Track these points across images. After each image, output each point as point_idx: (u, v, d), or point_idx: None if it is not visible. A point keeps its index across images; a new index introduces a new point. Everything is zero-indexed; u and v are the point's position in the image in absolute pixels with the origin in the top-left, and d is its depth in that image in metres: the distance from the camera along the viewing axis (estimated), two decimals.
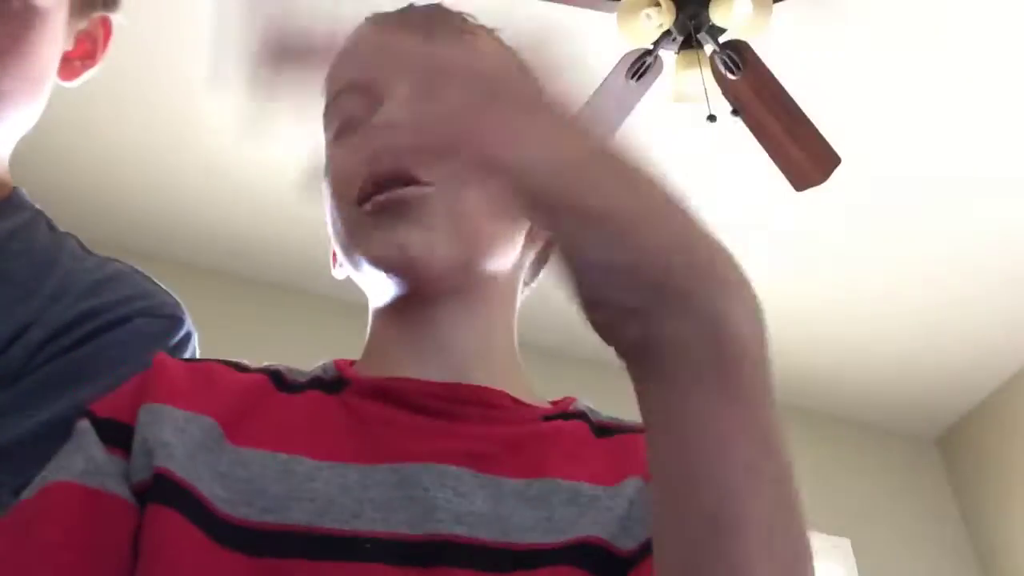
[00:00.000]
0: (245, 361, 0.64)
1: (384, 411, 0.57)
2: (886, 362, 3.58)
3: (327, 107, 0.67)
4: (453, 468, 0.54)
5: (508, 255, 0.65)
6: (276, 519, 0.51)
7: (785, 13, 2.35)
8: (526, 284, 0.71)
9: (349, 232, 0.63)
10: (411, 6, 0.68)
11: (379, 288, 0.64)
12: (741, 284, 0.40)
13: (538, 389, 0.65)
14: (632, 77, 2.27)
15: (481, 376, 0.61)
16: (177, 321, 0.73)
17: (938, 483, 3.81)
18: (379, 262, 0.61)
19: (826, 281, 3.28)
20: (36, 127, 0.79)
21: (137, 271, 0.77)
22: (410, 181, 0.59)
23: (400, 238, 0.59)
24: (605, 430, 0.61)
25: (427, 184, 0.59)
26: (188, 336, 0.74)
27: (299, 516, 0.51)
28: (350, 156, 0.63)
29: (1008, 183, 2.91)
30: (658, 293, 0.38)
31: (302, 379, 0.62)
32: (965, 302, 3.30)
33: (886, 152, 2.83)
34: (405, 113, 0.42)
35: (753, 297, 0.40)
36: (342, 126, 0.65)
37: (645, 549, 0.50)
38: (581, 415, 0.62)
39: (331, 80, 0.67)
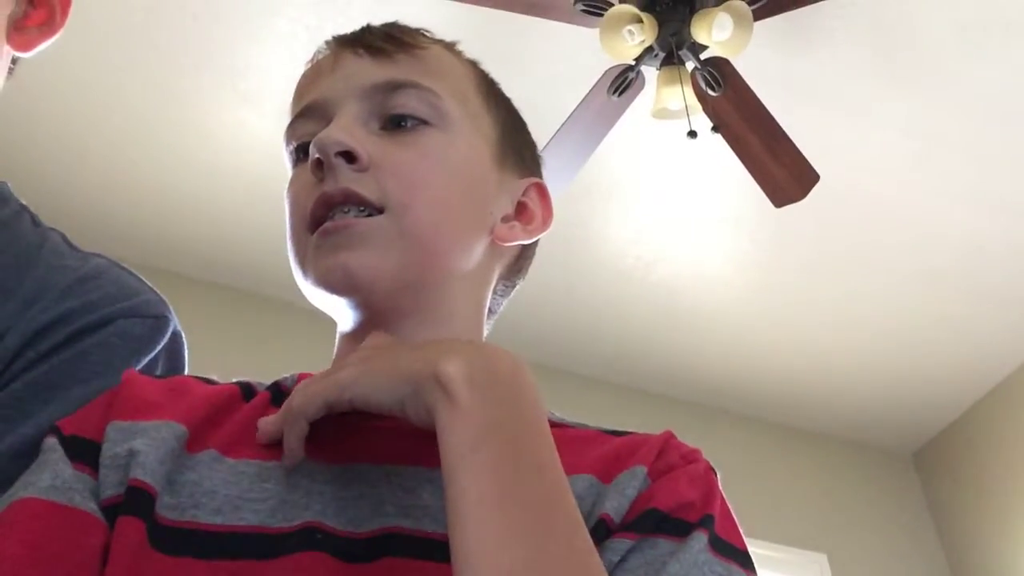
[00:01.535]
0: (215, 377, 0.64)
1: (335, 417, 0.57)
2: (863, 378, 3.61)
3: (286, 130, 0.67)
4: (401, 466, 0.54)
5: (466, 270, 0.64)
6: (225, 520, 0.51)
7: (766, 32, 2.38)
8: (500, 295, 0.71)
9: (299, 257, 0.63)
10: (369, 26, 0.68)
11: (337, 313, 0.64)
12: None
13: None
14: (614, 93, 2.29)
15: None
16: (163, 321, 0.69)
17: (914, 498, 3.83)
18: (322, 283, 0.60)
19: (804, 298, 3.30)
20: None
21: (120, 266, 0.72)
22: (359, 204, 0.60)
23: (342, 259, 0.59)
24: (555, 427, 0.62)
25: (377, 210, 0.60)
26: (175, 337, 0.70)
27: (250, 517, 0.51)
28: (304, 180, 0.63)
29: (984, 202, 2.95)
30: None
31: (261, 389, 0.62)
32: (943, 319, 3.33)
33: (865, 169, 2.86)
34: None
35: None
36: (297, 149, 0.65)
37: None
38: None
39: (294, 103, 0.67)
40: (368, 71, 0.64)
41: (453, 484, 0.47)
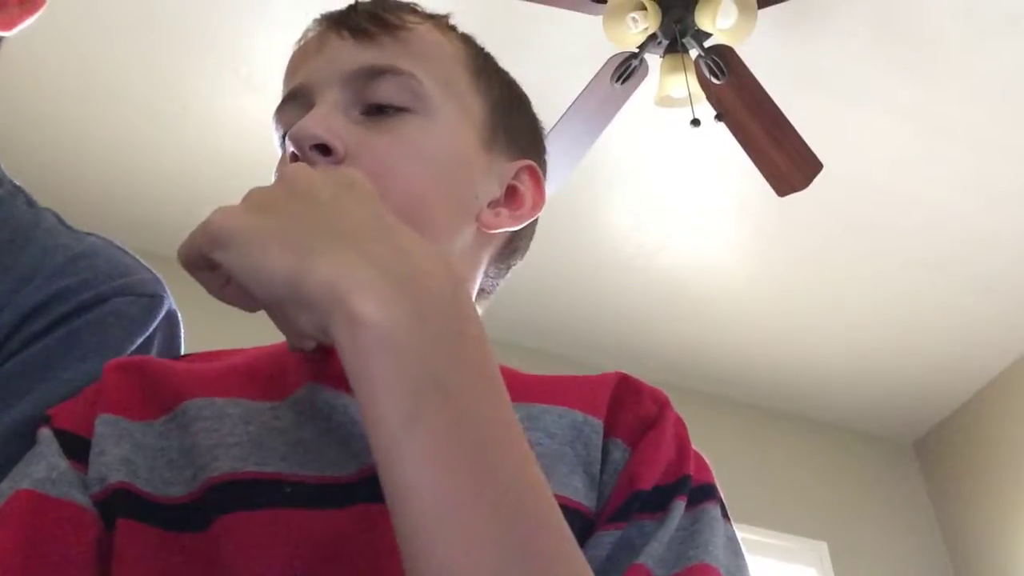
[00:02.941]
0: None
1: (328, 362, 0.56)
2: (865, 366, 3.61)
3: (275, 114, 0.65)
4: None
5: (453, 255, 0.63)
6: (206, 476, 0.50)
7: (770, 19, 2.37)
8: (493, 276, 0.69)
9: None
10: (356, 4, 0.66)
11: None
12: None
13: None
14: (617, 80, 2.28)
15: None
16: (157, 300, 0.68)
17: (915, 487, 3.84)
18: None
19: (806, 287, 3.30)
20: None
21: (115, 245, 0.71)
22: None
23: None
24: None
25: None
26: (169, 316, 0.69)
27: (223, 465, 0.50)
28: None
29: (988, 191, 2.94)
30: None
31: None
32: (945, 308, 3.33)
33: (868, 157, 2.86)
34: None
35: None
36: (284, 136, 0.64)
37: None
38: None
39: (284, 83, 0.66)
40: (351, 55, 0.63)
41: (390, 476, 0.37)
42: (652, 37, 2.21)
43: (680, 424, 0.57)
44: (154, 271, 0.70)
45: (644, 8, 2.12)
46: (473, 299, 0.67)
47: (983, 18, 2.49)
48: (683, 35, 2.21)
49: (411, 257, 0.41)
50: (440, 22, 0.68)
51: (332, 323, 0.38)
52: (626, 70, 2.27)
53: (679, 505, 0.51)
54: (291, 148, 0.59)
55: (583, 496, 0.52)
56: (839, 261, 3.20)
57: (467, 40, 0.69)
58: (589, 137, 2.42)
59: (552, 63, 2.62)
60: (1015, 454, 3.47)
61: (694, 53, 2.27)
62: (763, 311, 3.40)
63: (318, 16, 0.67)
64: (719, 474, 0.57)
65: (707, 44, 2.25)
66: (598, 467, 0.53)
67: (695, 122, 2.24)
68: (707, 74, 2.27)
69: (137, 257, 0.71)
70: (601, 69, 2.29)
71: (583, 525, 0.50)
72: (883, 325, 3.42)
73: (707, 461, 0.56)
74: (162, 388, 0.57)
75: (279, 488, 0.49)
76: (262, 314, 0.47)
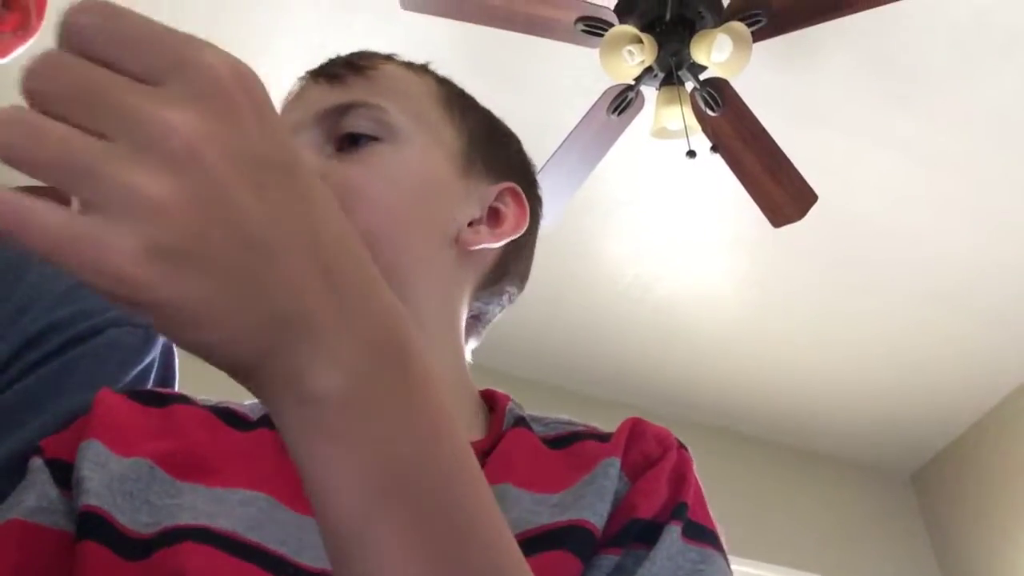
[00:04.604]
0: (191, 396, 0.62)
1: None
2: (862, 398, 3.61)
3: None
4: None
5: (429, 278, 0.63)
6: (207, 521, 0.50)
7: (765, 52, 2.39)
8: (486, 301, 0.70)
9: None
10: (335, 56, 0.69)
11: None
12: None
13: None
14: (613, 112, 2.30)
15: None
16: (155, 331, 0.64)
17: (912, 519, 3.83)
18: None
19: (802, 318, 3.31)
20: None
21: None
22: None
23: None
24: (554, 440, 0.62)
25: None
26: (166, 347, 0.68)
27: (225, 524, 0.50)
28: None
29: (984, 221, 2.96)
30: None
31: (252, 416, 0.61)
32: (942, 340, 3.34)
33: (863, 189, 2.88)
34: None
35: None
36: None
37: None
38: (518, 422, 0.62)
39: None
40: (323, 96, 0.65)
41: (348, 572, 0.33)
42: (648, 70, 2.23)
43: (683, 463, 0.58)
44: None
45: (640, 41, 2.14)
46: (463, 325, 0.67)
47: (976, 50, 2.52)
48: (679, 68, 2.24)
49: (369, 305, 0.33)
50: (410, 64, 0.70)
51: (283, 410, 0.32)
52: (622, 102, 2.29)
53: (673, 529, 0.52)
54: None
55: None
56: (835, 293, 3.21)
57: (440, 78, 0.71)
58: (586, 168, 2.44)
59: (549, 95, 2.64)
60: (1012, 486, 3.47)
61: (690, 86, 2.29)
62: (760, 342, 3.41)
63: (301, 75, 0.69)
64: (714, 506, 0.57)
65: (702, 77, 2.27)
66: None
67: (691, 153, 2.25)
68: (703, 106, 2.29)
69: None
70: (597, 101, 2.31)
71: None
72: (879, 357, 3.43)
73: (708, 506, 0.57)
74: (161, 429, 0.57)
75: (262, 554, 0.49)
76: None
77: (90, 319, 0.64)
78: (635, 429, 0.59)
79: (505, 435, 0.60)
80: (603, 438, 0.61)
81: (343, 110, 0.63)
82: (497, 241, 0.67)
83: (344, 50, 0.70)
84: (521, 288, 0.73)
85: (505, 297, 0.71)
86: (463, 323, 0.67)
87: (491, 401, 0.65)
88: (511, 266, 0.70)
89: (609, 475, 0.55)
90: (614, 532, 0.52)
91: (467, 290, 0.67)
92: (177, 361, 0.71)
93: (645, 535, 0.52)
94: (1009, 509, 3.45)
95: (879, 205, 2.91)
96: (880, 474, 3.91)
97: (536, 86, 2.63)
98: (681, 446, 0.60)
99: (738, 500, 3.41)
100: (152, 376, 0.67)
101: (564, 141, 2.37)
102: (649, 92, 2.34)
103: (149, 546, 0.50)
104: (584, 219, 2.97)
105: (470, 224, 0.66)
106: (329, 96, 0.65)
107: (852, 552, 3.58)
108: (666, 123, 2.28)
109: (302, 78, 0.69)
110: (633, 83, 2.26)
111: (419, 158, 0.64)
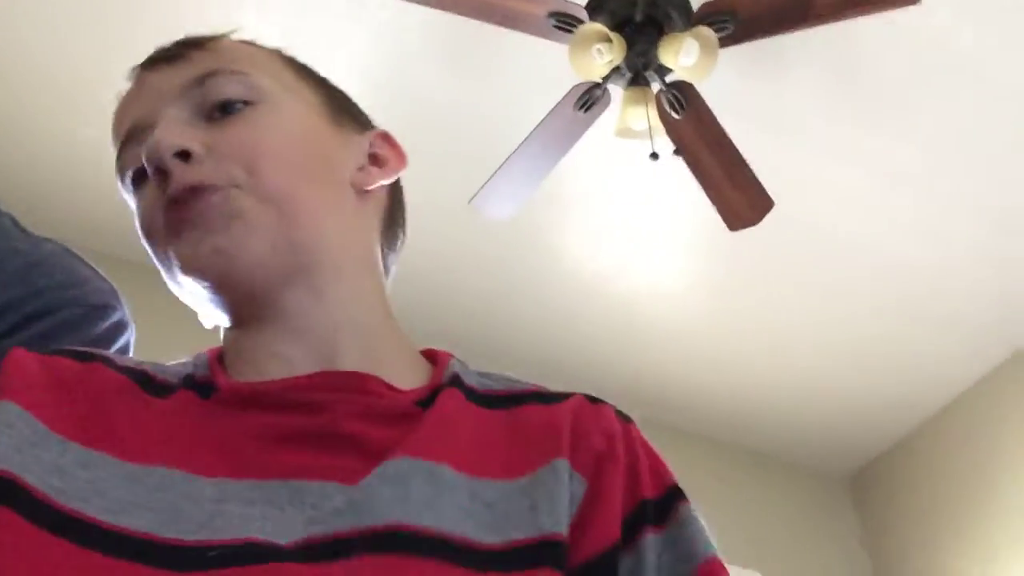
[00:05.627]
0: (115, 357, 0.61)
1: (249, 420, 0.56)
2: (804, 401, 3.68)
3: (116, 165, 0.65)
4: (315, 484, 0.53)
5: (340, 224, 0.64)
6: (114, 520, 0.49)
7: (732, 59, 2.43)
8: (389, 244, 0.71)
9: (166, 266, 0.61)
10: (166, 44, 0.68)
11: (217, 304, 0.62)
12: None
13: None
14: (580, 108, 2.33)
15: (354, 355, 0.60)
16: (105, 309, 0.67)
17: (848, 522, 3.91)
18: (191, 270, 0.59)
19: (751, 321, 3.37)
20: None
21: (72, 253, 0.70)
22: (205, 191, 0.59)
23: (214, 243, 0.58)
24: (494, 400, 0.63)
25: (223, 187, 0.59)
26: (117, 326, 0.68)
27: (138, 523, 0.49)
28: (150, 197, 0.62)
29: (932, 234, 3.03)
30: None
31: (173, 379, 0.59)
32: (884, 342, 3.41)
33: (818, 197, 2.93)
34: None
35: None
36: (135, 176, 0.64)
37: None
38: (455, 381, 0.62)
39: (115, 134, 0.67)
40: (172, 76, 0.64)
41: None
42: (616, 69, 2.26)
43: (631, 447, 0.60)
44: (111, 282, 0.70)
45: (609, 40, 2.17)
46: (382, 270, 0.69)
47: (937, 67, 2.58)
48: (646, 69, 2.27)
49: None
50: (245, 39, 0.70)
51: None
52: (589, 99, 2.32)
53: (650, 539, 0.56)
54: (151, 165, 0.59)
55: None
56: (784, 297, 3.27)
57: (276, 49, 0.72)
58: (550, 162, 2.46)
59: (517, 88, 2.65)
60: (947, 493, 3.56)
61: (656, 87, 2.33)
62: (708, 342, 3.46)
63: (129, 69, 0.68)
64: None
65: (668, 79, 2.31)
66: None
67: (654, 156, 2.29)
68: (667, 108, 2.32)
69: (94, 266, 0.70)
70: (565, 96, 2.34)
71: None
72: (824, 361, 3.50)
73: (660, 457, 0.60)
74: (70, 393, 0.56)
75: (203, 553, 0.49)
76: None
77: (44, 298, 0.64)
78: (577, 428, 0.60)
79: (442, 392, 0.61)
80: (546, 399, 0.63)
81: (203, 79, 0.63)
82: (388, 177, 0.69)
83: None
84: (405, 236, 0.74)
85: (399, 243, 0.73)
86: (381, 268, 0.69)
87: (433, 358, 0.66)
88: (397, 211, 0.72)
89: (560, 479, 0.56)
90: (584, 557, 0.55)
91: (375, 236, 0.69)
92: (132, 338, 0.71)
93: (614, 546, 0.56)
94: (943, 515, 3.54)
95: (833, 214, 2.98)
96: (818, 476, 3.99)
97: (504, 79, 2.64)
98: (623, 419, 0.62)
99: None
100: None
101: (530, 134, 2.39)
102: (616, 91, 2.37)
103: (62, 523, 0.49)
104: (545, 213, 3.00)
105: (359, 170, 0.68)
106: (179, 73, 0.64)
107: (788, 550, 3.66)
108: (631, 123, 2.31)
109: (133, 73, 0.67)
110: (601, 81, 2.29)
111: (296, 115, 0.65)
